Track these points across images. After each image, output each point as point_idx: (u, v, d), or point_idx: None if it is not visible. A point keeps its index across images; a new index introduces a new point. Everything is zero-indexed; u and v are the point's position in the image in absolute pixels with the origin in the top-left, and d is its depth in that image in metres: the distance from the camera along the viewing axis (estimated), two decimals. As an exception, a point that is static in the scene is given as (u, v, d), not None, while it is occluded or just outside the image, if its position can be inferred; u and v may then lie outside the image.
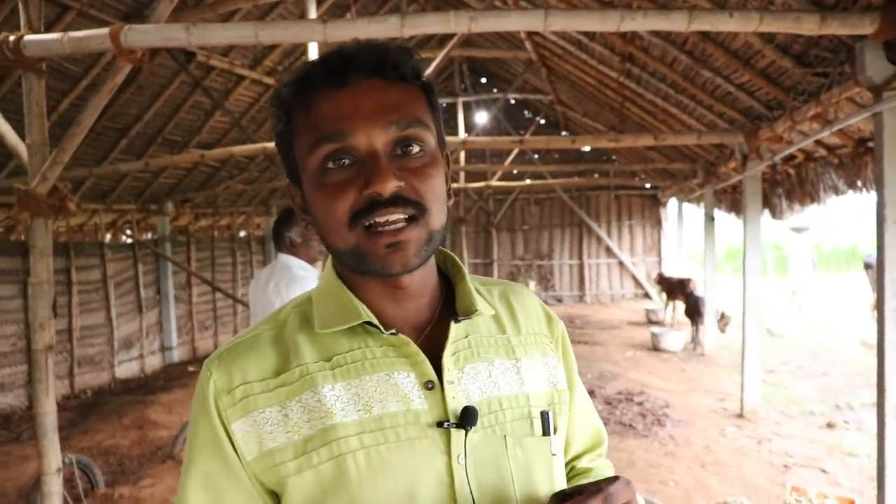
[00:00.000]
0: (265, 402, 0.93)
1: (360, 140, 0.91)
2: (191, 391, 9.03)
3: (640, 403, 7.59)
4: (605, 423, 1.30)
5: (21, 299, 8.52)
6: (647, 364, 10.01)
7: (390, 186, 0.89)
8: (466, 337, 1.02)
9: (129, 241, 11.63)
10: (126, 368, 10.46)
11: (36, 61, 3.52)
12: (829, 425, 6.90)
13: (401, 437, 0.92)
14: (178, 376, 10.46)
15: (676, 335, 11.13)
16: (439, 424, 0.93)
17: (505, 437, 0.97)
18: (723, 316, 10.98)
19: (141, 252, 11.02)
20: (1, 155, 7.85)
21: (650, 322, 13.72)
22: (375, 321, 0.96)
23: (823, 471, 5.64)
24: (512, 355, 1.05)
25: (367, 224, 0.90)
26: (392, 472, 0.90)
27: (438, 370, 0.96)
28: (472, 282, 1.06)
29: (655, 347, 11.11)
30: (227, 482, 0.94)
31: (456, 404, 0.95)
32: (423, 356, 0.95)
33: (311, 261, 3.63)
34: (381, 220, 0.90)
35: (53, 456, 3.65)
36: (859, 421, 6.94)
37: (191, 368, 11.06)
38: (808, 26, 3.19)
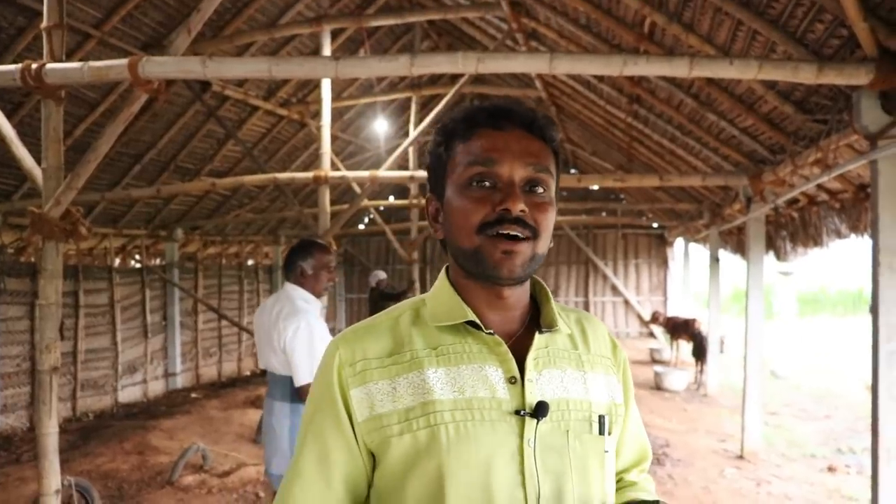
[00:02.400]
0: (379, 375, 1.16)
1: (504, 169, 1.16)
2: (193, 418, 9.06)
3: (641, 442, 7.55)
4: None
5: (28, 320, 8.58)
6: (648, 403, 9.97)
7: (519, 207, 1.13)
8: (546, 347, 1.24)
9: (138, 266, 11.69)
10: (129, 393, 10.48)
11: (56, 89, 3.63)
12: (831, 469, 6.87)
13: (485, 418, 1.13)
14: (180, 402, 10.47)
15: (679, 375, 11.10)
16: (517, 412, 1.14)
17: (568, 431, 1.18)
18: (722, 340, 11.05)
19: (149, 277, 11.09)
20: (16, 177, 7.99)
21: (654, 361, 13.68)
22: (478, 321, 1.19)
23: (822, 515, 5.62)
24: (581, 368, 1.26)
25: (491, 234, 1.14)
26: (475, 444, 1.11)
27: (521, 370, 1.17)
28: (555, 307, 1.29)
29: (658, 386, 11.07)
30: (334, 438, 1.17)
31: (532, 398, 1.16)
32: (510, 356, 1.18)
33: (317, 294, 3.69)
34: (504, 231, 1.13)
35: (53, 477, 3.69)
36: (861, 465, 6.90)
37: (194, 395, 11.07)
38: (806, 75, 3.28)
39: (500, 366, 1.17)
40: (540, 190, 1.18)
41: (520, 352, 1.19)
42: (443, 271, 1.29)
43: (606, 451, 1.22)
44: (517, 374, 1.16)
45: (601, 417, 1.22)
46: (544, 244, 1.19)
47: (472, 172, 1.17)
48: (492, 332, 1.18)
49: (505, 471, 1.11)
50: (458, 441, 1.10)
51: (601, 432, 1.21)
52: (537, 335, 1.22)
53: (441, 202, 1.25)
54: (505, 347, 1.17)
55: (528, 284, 1.27)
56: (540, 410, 1.14)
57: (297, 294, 3.62)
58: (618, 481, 1.37)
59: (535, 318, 1.28)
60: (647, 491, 1.38)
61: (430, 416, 1.12)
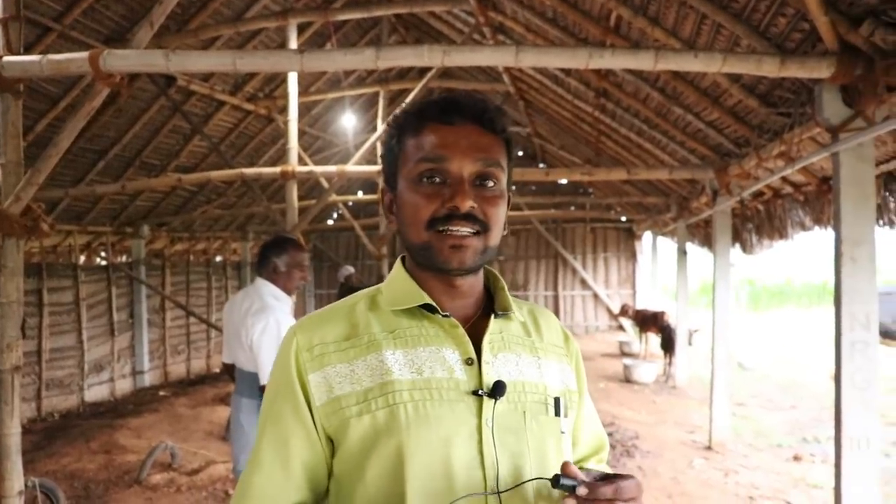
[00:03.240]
0: (337, 359, 1.18)
1: (453, 166, 1.18)
2: (161, 416, 8.97)
3: (610, 434, 7.61)
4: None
5: (-10, 320, 8.42)
6: (618, 395, 10.05)
7: (467, 205, 1.15)
8: (501, 333, 1.27)
9: (104, 263, 11.53)
10: (96, 392, 10.33)
11: (14, 82, 3.56)
12: (796, 458, 6.98)
13: (443, 398, 1.15)
14: (148, 401, 10.35)
15: (648, 367, 11.20)
16: (474, 393, 1.16)
17: (524, 412, 1.20)
18: (690, 334, 11.18)
19: (115, 275, 10.94)
20: (-24, 174, 7.82)
21: (623, 354, 13.79)
22: (434, 304, 1.21)
23: (788, 503, 5.70)
24: (535, 354, 1.29)
25: (440, 229, 1.16)
26: (434, 423, 1.12)
27: (477, 353, 1.20)
28: (509, 295, 1.32)
29: (627, 379, 11.16)
30: (293, 423, 1.18)
31: (489, 379, 1.18)
32: (467, 338, 1.20)
33: (288, 291, 3.69)
34: (453, 228, 1.15)
35: (16, 479, 3.64)
36: (825, 454, 7.01)
37: (162, 393, 10.95)
38: (769, 68, 3.31)
39: (457, 348, 1.19)
40: (490, 184, 1.20)
41: (475, 336, 1.21)
42: (398, 260, 1.32)
43: (563, 433, 1.24)
44: (474, 356, 1.19)
45: (556, 399, 1.25)
46: (496, 236, 1.21)
47: (422, 168, 1.18)
48: (448, 314, 1.21)
49: (464, 449, 1.12)
50: (418, 420, 1.12)
51: (557, 413, 1.24)
52: (492, 319, 1.25)
53: (394, 194, 1.26)
54: (461, 330, 1.20)
55: (481, 273, 1.30)
56: (497, 390, 1.16)
57: (267, 290, 3.60)
58: None
59: (489, 306, 1.30)
60: None
61: (388, 395, 1.13)
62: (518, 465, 1.15)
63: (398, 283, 1.27)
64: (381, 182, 1.41)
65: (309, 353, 1.19)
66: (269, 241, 3.73)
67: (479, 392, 1.16)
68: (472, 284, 1.26)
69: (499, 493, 1.12)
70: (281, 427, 1.18)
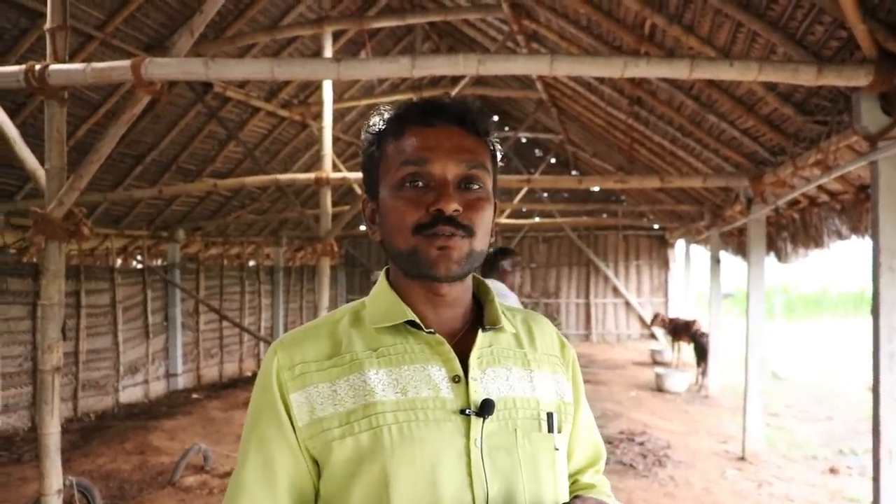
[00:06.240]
0: (318, 378, 1.13)
1: (436, 168, 1.13)
2: (194, 418, 9.08)
3: (642, 443, 7.58)
4: (605, 463, 1.43)
5: (30, 321, 8.60)
6: (650, 404, 9.98)
7: (452, 207, 1.10)
8: (490, 346, 1.21)
9: (140, 266, 11.71)
10: (130, 393, 10.49)
11: (59, 90, 3.64)
12: (832, 470, 6.87)
13: (429, 418, 1.10)
14: (181, 403, 10.48)
15: (681, 376, 11.10)
16: (462, 412, 1.12)
17: (515, 430, 1.15)
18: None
19: (150, 278, 11.10)
20: (18, 178, 8.00)
21: (655, 363, 13.68)
22: (417, 320, 1.16)
23: (823, 516, 5.63)
24: (527, 367, 1.24)
25: (427, 234, 1.11)
26: (419, 445, 1.08)
27: (465, 369, 1.15)
28: (499, 306, 1.26)
29: (659, 388, 11.08)
30: (278, 444, 1.13)
31: (477, 397, 1.13)
32: (453, 354, 1.15)
33: (511, 287, 4.21)
34: (439, 232, 1.10)
35: (55, 477, 3.70)
36: (862, 467, 6.90)
37: (195, 396, 11.08)
38: (806, 77, 3.28)
39: (443, 365, 1.15)
40: (475, 186, 1.16)
41: (463, 351, 1.17)
42: (382, 273, 1.27)
43: (557, 449, 1.20)
44: (461, 373, 1.14)
45: (549, 415, 1.20)
46: (482, 241, 1.16)
47: (405, 172, 1.14)
48: (432, 331, 1.16)
49: (451, 472, 1.08)
50: (402, 442, 1.07)
51: (550, 430, 1.19)
52: (480, 333, 1.20)
53: (376, 203, 1.22)
54: (447, 346, 1.15)
55: (469, 283, 1.24)
56: (485, 408, 1.11)
57: (498, 287, 4.04)
58: (572, 483, 1.35)
59: (479, 318, 1.26)
60: (605, 494, 1.34)
61: (372, 417, 1.09)
62: (510, 485, 1.11)
63: (381, 297, 1.22)
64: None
65: (290, 372, 1.14)
66: (498, 251, 4.32)
67: (467, 411, 1.11)
68: (459, 295, 1.21)
69: None
70: (266, 447, 1.13)
